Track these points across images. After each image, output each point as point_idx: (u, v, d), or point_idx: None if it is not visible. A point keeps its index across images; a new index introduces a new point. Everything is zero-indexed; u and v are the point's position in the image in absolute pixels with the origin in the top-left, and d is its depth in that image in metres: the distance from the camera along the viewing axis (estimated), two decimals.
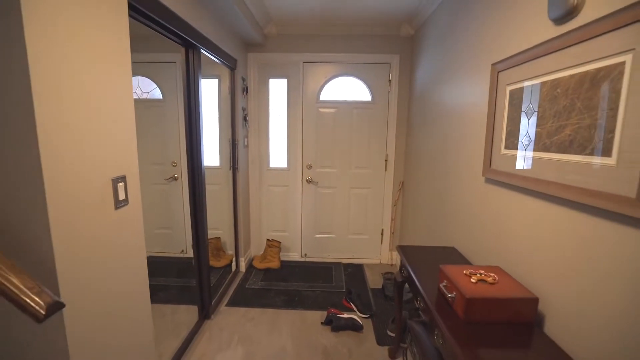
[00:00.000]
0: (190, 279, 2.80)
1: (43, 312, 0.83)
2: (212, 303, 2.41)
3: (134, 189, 1.30)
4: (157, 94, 3.03)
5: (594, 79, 0.93)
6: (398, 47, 3.04)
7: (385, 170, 3.25)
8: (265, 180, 3.35)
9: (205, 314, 2.33)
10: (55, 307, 0.86)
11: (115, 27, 1.17)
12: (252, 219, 3.39)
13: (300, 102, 3.17)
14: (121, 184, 1.20)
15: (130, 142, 1.27)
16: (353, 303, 2.46)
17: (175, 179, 3.07)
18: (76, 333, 1.01)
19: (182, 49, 1.98)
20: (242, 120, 2.96)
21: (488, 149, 1.51)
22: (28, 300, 0.82)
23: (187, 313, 2.30)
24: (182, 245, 3.27)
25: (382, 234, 3.37)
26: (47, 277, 0.94)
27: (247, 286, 2.84)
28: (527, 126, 1.23)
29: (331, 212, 3.36)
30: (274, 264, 3.16)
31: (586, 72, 0.96)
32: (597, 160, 0.91)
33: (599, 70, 0.91)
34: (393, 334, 2.14)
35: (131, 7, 1.28)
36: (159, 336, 1.66)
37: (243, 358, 1.94)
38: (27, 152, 0.87)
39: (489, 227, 1.54)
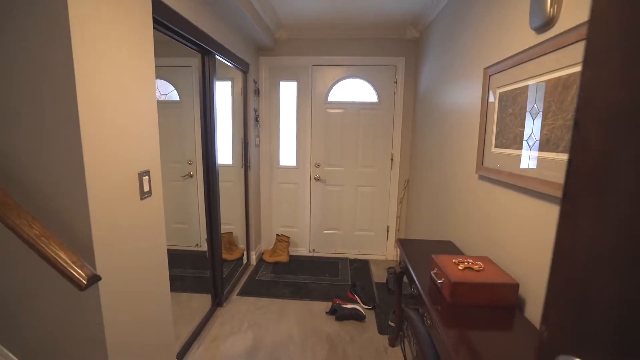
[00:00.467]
0: (204, 270, 2.98)
1: (85, 282, 0.99)
2: (225, 292, 2.57)
3: (157, 182, 1.46)
4: (174, 96, 3.22)
5: (565, 83, 1.03)
6: (403, 50, 3.15)
7: (391, 169, 3.36)
8: (275, 178, 3.50)
9: (218, 301, 2.50)
10: (94, 279, 1.03)
11: (142, 39, 1.33)
12: (263, 215, 3.55)
13: (309, 103, 3.31)
14: (146, 177, 1.36)
15: (154, 140, 1.44)
16: (357, 295, 2.58)
17: (191, 176, 3.26)
18: (108, 302, 1.17)
19: (199, 55, 2.15)
20: (253, 121, 3.13)
21: (480, 147, 1.62)
22: (73, 272, 0.98)
23: (202, 301, 2.47)
24: (196, 239, 3.46)
25: (387, 231, 3.48)
26: (86, 254, 1.10)
27: (257, 278, 3.00)
28: (514, 126, 1.34)
29: (338, 209, 3.49)
30: (283, 258, 3.31)
31: (559, 78, 1.06)
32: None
33: (570, 75, 1.01)
34: (394, 324, 2.26)
35: (155, 20, 1.45)
36: (176, 320, 1.82)
37: (253, 341, 2.09)
38: (71, 149, 1.03)
39: (481, 221, 1.64)
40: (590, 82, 0.43)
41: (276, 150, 3.46)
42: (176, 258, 3.37)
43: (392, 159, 3.34)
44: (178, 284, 2.80)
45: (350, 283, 2.90)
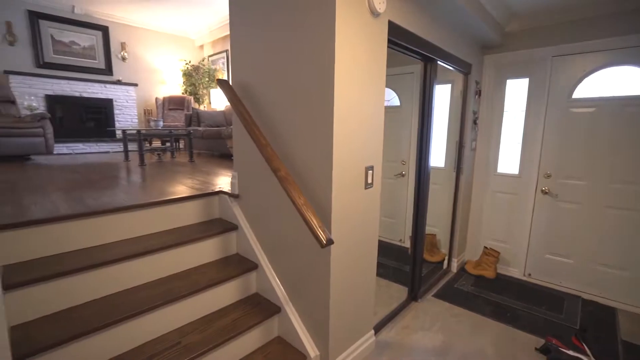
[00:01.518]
0: (404, 265, 3.19)
1: (324, 242, 1.37)
2: (421, 290, 2.67)
3: (377, 177, 1.76)
4: (395, 101, 3.58)
5: None
6: None
7: None
8: (490, 185, 3.22)
9: (413, 296, 2.63)
10: (330, 242, 1.40)
11: (379, 57, 1.63)
12: (471, 223, 3.36)
13: (545, 101, 2.81)
14: (370, 172, 1.67)
15: (378, 141, 1.73)
16: (586, 344, 2.02)
17: (403, 175, 3.53)
18: (334, 259, 1.56)
19: (421, 63, 2.32)
20: (471, 123, 3.01)
21: None
22: (319, 233, 1.38)
23: (399, 291, 2.69)
24: (401, 235, 3.73)
25: None
26: (326, 223, 1.51)
27: (455, 286, 2.91)
28: None
29: (572, 232, 2.79)
30: (489, 273, 3.02)
31: None
32: None
33: None
34: None
35: (388, 40, 1.72)
36: (375, 300, 2.10)
37: (442, 343, 2.09)
38: (326, 148, 1.44)
39: None
40: None
41: (495, 155, 3.17)
42: (382, 248, 3.74)
43: None
44: (381, 270, 3.15)
45: (578, 327, 2.30)
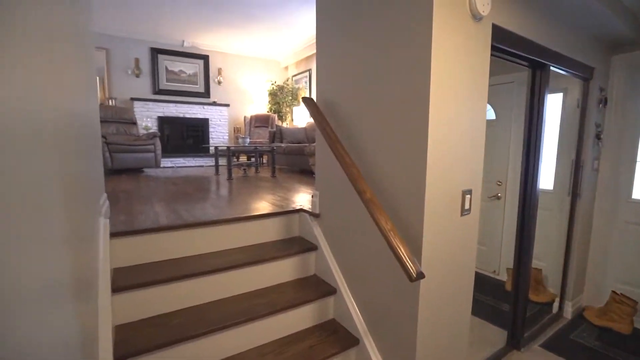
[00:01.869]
0: (500, 302, 2.74)
1: (414, 276, 1.20)
2: (524, 336, 2.23)
3: (476, 201, 1.51)
4: (490, 114, 3.19)
5: None
6: None
7: None
8: (620, 214, 2.60)
9: (514, 343, 2.21)
10: (420, 275, 1.22)
11: (480, 66, 1.42)
12: (591, 260, 2.74)
13: None
14: (468, 196, 1.45)
15: (479, 160, 1.50)
16: None
17: (498, 198, 3.09)
18: (424, 294, 1.36)
19: (528, 70, 1.99)
20: (593, 139, 2.48)
21: None
22: (408, 265, 1.21)
23: (494, 334, 2.29)
24: (494, 266, 3.25)
25: None
26: (415, 253, 1.33)
27: (571, 337, 2.36)
28: None
29: None
30: (621, 327, 2.39)
31: None
32: None
33: None
34: None
35: (492, 46, 1.50)
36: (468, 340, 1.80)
37: None
38: (419, 168, 1.29)
39: None
40: None
41: (628, 178, 2.55)
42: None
43: None
44: (472, 306, 2.76)
45: None
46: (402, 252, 1.23)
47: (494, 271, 3.23)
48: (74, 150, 1.09)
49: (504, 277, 3.13)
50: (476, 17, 1.34)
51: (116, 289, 1.41)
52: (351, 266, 1.74)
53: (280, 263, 1.86)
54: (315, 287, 1.84)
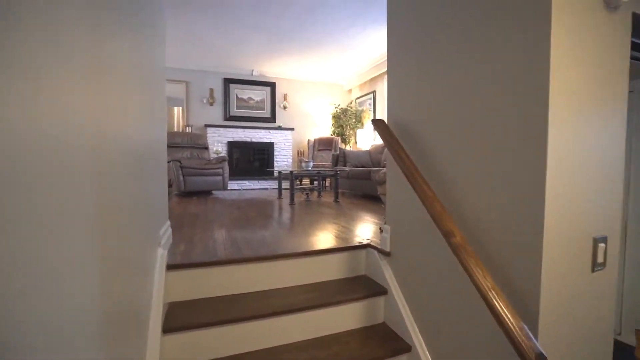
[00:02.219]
0: None
1: (533, 358, 0.86)
2: None
3: (613, 252, 1.11)
4: None
5: None
6: None
7: None
8: None
9: None
10: (542, 357, 0.87)
11: (616, 70, 1.06)
12: None
13: None
14: (602, 245, 1.06)
15: (617, 196, 1.11)
16: None
17: None
18: None
19: None
20: None
21: None
22: (521, 342, 0.88)
23: None
24: (616, 325, 2.55)
25: None
26: (529, 319, 0.98)
27: None
28: None
29: None
30: None
31: None
32: None
33: None
34: None
35: (632, 45, 1.13)
36: None
37: None
38: (534, 206, 0.97)
39: None
40: None
41: None
42: None
43: None
44: None
45: None
46: (511, 322, 0.90)
47: (618, 333, 2.53)
48: (133, 182, 1.03)
49: (627, 338, 2.42)
50: (610, 5, 1.01)
51: (167, 329, 1.31)
52: (431, 320, 1.42)
53: (345, 307, 1.62)
54: (384, 341, 1.55)
